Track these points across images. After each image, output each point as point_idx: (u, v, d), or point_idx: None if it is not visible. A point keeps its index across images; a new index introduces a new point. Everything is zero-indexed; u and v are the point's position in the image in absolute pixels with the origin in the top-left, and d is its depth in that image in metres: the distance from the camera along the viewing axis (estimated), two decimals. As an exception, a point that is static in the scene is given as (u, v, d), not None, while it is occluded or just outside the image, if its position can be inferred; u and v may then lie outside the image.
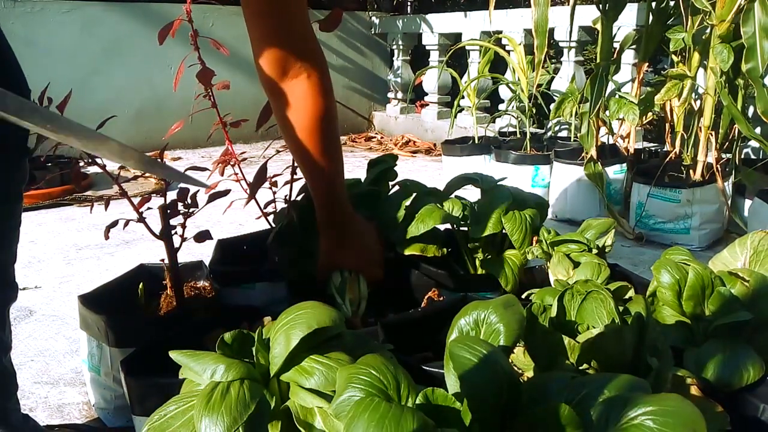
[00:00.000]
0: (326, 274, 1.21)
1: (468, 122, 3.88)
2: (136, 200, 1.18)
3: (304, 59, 1.06)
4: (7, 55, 0.80)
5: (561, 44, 3.48)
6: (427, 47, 4.47)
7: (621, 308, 0.88)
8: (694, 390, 0.86)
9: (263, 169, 1.31)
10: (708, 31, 2.16)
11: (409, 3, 5.73)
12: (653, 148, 2.99)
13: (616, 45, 2.58)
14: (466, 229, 1.37)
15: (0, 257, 0.83)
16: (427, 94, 4.50)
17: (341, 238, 1.20)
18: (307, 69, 1.07)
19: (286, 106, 1.09)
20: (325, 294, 1.19)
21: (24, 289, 1.90)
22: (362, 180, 1.46)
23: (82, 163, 1.17)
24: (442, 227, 1.40)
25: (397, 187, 1.44)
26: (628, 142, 2.66)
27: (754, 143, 2.51)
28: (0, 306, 0.84)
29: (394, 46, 4.80)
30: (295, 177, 1.37)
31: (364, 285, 1.20)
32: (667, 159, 2.32)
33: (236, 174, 1.34)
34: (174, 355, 0.74)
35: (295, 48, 1.04)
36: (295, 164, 1.35)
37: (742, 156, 2.37)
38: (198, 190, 1.22)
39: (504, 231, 1.29)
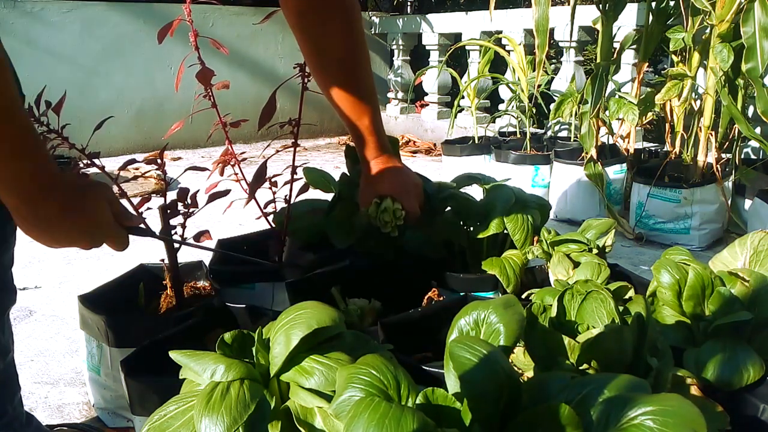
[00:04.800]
0: (368, 202, 1.23)
1: (468, 122, 3.87)
2: (136, 200, 1.17)
3: None
4: None
5: (561, 44, 3.48)
6: (427, 47, 4.47)
7: (621, 308, 0.88)
8: (694, 390, 0.86)
9: (263, 168, 1.31)
10: (708, 31, 2.16)
11: (409, 3, 5.73)
12: (653, 148, 2.99)
13: (616, 45, 2.58)
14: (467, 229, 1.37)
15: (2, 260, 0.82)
16: (427, 94, 4.50)
17: (380, 168, 1.22)
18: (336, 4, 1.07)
19: (314, 40, 1.09)
20: (326, 295, 1.19)
21: (24, 289, 1.90)
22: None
23: (81, 164, 1.17)
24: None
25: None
26: (628, 142, 2.66)
27: (754, 143, 2.51)
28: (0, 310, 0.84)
29: (394, 46, 4.80)
30: (294, 177, 1.37)
31: (400, 211, 1.21)
32: (667, 159, 2.32)
33: (236, 174, 1.34)
34: (174, 355, 0.74)
35: None
36: (296, 164, 1.36)
37: (742, 156, 2.37)
38: (198, 190, 1.22)
39: (505, 231, 1.29)
